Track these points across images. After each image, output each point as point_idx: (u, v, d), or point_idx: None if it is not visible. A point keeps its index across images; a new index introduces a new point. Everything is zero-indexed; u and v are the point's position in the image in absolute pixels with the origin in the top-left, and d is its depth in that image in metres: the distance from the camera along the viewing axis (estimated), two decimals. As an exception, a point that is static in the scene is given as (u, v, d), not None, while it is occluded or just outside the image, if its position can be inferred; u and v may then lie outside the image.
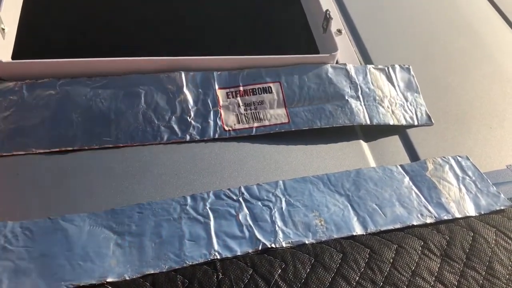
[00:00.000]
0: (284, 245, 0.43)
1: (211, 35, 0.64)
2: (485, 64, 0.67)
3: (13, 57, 0.53)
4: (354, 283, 0.40)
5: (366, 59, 0.64)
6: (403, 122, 0.57)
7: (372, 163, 0.53)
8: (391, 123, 0.56)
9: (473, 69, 0.66)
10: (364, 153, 0.53)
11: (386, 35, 0.68)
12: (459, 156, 0.54)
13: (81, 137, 0.48)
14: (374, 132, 0.56)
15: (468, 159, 0.53)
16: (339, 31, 0.64)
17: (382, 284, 0.40)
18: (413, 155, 0.54)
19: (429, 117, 0.58)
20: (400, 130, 0.57)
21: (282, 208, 0.46)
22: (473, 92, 0.63)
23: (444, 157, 0.53)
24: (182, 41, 0.63)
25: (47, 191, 0.44)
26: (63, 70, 0.51)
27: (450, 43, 0.69)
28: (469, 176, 0.52)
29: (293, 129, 0.53)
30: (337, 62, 0.60)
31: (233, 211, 0.45)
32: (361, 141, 0.55)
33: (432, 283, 0.41)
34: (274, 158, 0.51)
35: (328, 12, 0.60)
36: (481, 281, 0.42)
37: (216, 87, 0.54)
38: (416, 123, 0.58)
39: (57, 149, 0.47)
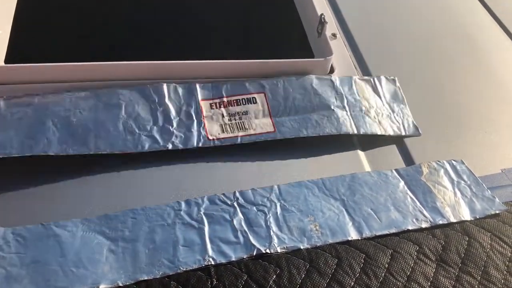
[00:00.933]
0: (279, 250, 0.42)
1: (206, 39, 0.64)
2: (480, 69, 0.67)
3: (6, 61, 0.53)
4: (349, 289, 0.40)
5: (361, 62, 0.64)
6: (391, 133, 0.56)
7: (367, 168, 0.52)
8: (379, 133, 0.56)
9: (468, 74, 0.66)
10: (359, 157, 0.53)
11: (380, 39, 0.68)
12: (454, 160, 0.53)
13: (56, 144, 0.47)
14: (369, 137, 0.55)
15: (463, 163, 0.53)
16: (334, 35, 0.64)
17: (378, 290, 0.40)
18: (408, 160, 0.54)
19: (416, 128, 0.58)
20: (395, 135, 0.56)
21: (277, 213, 0.45)
22: (468, 96, 0.63)
23: (439, 161, 0.53)
24: (175, 46, 0.62)
25: (40, 197, 0.44)
26: (54, 74, 0.51)
27: (445, 47, 0.69)
28: (464, 181, 0.52)
29: (279, 138, 0.52)
30: (331, 66, 0.60)
31: (227, 216, 0.44)
32: (356, 146, 0.55)
33: (428, 288, 0.41)
34: (269, 163, 0.51)
35: (323, 16, 0.60)
36: (476, 286, 0.42)
37: (199, 98, 0.53)
38: (403, 133, 0.57)
39: (29, 154, 0.46)
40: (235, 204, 0.46)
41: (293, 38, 0.67)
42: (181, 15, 0.67)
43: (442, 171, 0.52)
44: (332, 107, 0.56)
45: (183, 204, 0.44)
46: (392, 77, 0.62)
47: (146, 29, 0.64)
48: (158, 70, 0.53)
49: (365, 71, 0.63)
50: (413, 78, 0.62)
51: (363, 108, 0.57)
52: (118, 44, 0.61)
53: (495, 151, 0.57)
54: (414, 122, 0.59)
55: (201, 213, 0.44)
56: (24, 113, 0.48)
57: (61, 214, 0.42)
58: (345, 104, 0.57)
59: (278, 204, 0.46)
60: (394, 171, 0.51)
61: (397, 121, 0.58)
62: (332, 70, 0.60)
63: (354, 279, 0.41)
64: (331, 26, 0.64)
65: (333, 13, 0.70)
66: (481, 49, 0.70)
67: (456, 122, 0.59)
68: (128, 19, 0.65)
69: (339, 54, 0.63)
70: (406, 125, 0.58)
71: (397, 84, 0.62)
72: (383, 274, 0.41)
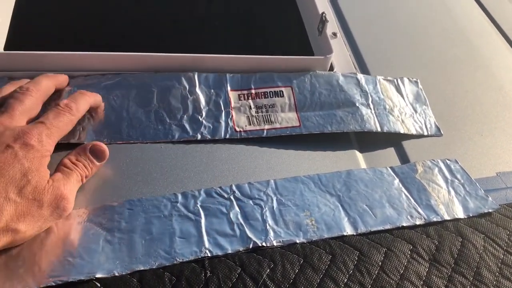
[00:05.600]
0: (275, 244, 0.40)
1: (206, 37, 0.61)
2: (478, 72, 0.64)
3: (6, 48, 0.50)
4: (343, 285, 0.37)
5: (360, 62, 0.60)
6: (413, 132, 0.54)
7: (363, 165, 0.49)
8: (402, 131, 0.53)
9: (466, 77, 0.62)
10: (356, 156, 0.50)
11: (380, 39, 0.65)
12: (448, 160, 0.51)
13: (91, 133, 0.45)
14: (367, 136, 0.52)
15: (457, 162, 0.51)
16: (334, 34, 0.60)
17: (370, 287, 0.37)
18: (404, 159, 0.51)
19: (438, 128, 0.55)
20: (392, 134, 0.53)
21: (273, 207, 0.43)
22: (465, 99, 0.59)
23: (433, 160, 0.50)
24: (174, 42, 0.59)
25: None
26: (61, 64, 0.47)
27: (444, 51, 0.65)
28: (458, 179, 0.49)
29: (304, 133, 0.50)
30: (331, 65, 0.57)
31: (224, 209, 0.42)
32: (353, 143, 0.52)
33: (420, 287, 0.38)
34: (265, 158, 0.48)
35: (324, 14, 0.57)
36: (468, 287, 0.39)
37: (229, 88, 0.51)
38: (425, 133, 0.55)
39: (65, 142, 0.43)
40: (232, 197, 0.43)
41: (293, 36, 0.64)
42: (183, 13, 0.64)
43: (436, 170, 0.49)
44: (357, 104, 0.53)
45: (179, 196, 0.42)
46: (414, 79, 0.60)
47: (144, 25, 0.61)
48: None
49: (364, 70, 0.60)
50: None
51: (387, 107, 0.55)
52: (121, 36, 0.58)
53: (490, 154, 0.54)
54: (436, 123, 0.56)
55: (198, 205, 0.41)
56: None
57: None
58: (370, 102, 0.54)
59: (274, 198, 0.43)
60: (389, 168, 0.49)
61: (420, 121, 0.55)
62: (331, 69, 0.57)
63: (347, 275, 0.38)
64: (332, 25, 0.61)
65: (334, 12, 0.67)
66: (479, 53, 0.67)
67: (453, 124, 0.56)
68: (131, 12, 0.62)
69: (339, 53, 0.60)
70: (428, 126, 0.55)
71: (420, 86, 0.59)
72: (376, 272, 0.39)
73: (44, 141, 0.38)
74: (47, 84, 0.43)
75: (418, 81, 0.60)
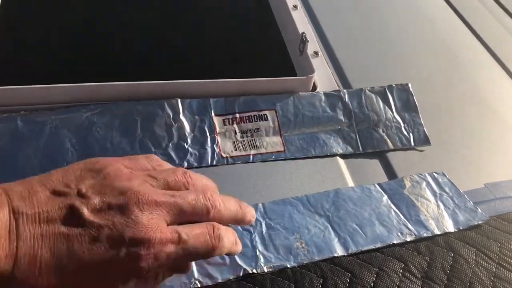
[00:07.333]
0: (265, 270, 0.39)
1: (184, 59, 0.60)
2: (462, 85, 0.63)
3: None
4: (336, 309, 0.36)
5: (343, 79, 0.60)
6: (399, 145, 0.53)
7: (350, 183, 0.49)
8: (386, 148, 0.53)
9: (450, 89, 0.62)
10: (342, 172, 0.50)
11: (362, 56, 0.64)
12: (436, 173, 0.50)
13: None
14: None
15: (444, 175, 0.50)
16: (316, 53, 0.60)
17: (364, 309, 0.37)
18: (391, 174, 0.50)
19: (426, 138, 0.54)
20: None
21: (262, 231, 0.42)
22: (450, 111, 0.59)
23: (420, 174, 0.50)
24: (158, 67, 0.59)
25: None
26: (41, 97, 0.47)
27: (428, 65, 0.65)
28: (446, 192, 0.48)
29: (289, 158, 0.50)
30: (314, 84, 0.56)
31: None
32: (339, 160, 0.51)
33: (414, 306, 0.37)
34: (252, 181, 0.47)
35: (304, 34, 0.57)
36: (463, 303, 0.38)
37: (213, 114, 0.50)
38: (413, 144, 0.54)
39: None
40: None
41: (276, 57, 0.63)
42: (163, 36, 0.63)
43: (424, 184, 0.49)
44: (339, 126, 0.53)
45: (167, 227, 0.41)
46: (405, 84, 0.58)
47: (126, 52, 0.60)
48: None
49: (347, 86, 0.59)
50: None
51: (372, 123, 0.54)
52: (107, 65, 0.57)
53: (478, 166, 0.53)
54: (426, 131, 0.55)
55: (186, 235, 0.40)
56: (41, 131, 0.45)
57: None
58: (353, 122, 0.54)
59: (263, 223, 0.43)
60: (377, 185, 0.48)
61: (407, 133, 0.54)
62: (314, 88, 0.56)
63: (340, 299, 0.37)
64: (313, 44, 0.60)
65: (315, 30, 0.67)
66: (463, 66, 0.66)
67: (439, 136, 0.55)
68: (117, 37, 0.61)
69: (321, 72, 0.60)
70: (416, 136, 0.54)
71: (411, 90, 0.58)
72: (369, 293, 0.38)
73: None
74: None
75: (409, 85, 0.58)
